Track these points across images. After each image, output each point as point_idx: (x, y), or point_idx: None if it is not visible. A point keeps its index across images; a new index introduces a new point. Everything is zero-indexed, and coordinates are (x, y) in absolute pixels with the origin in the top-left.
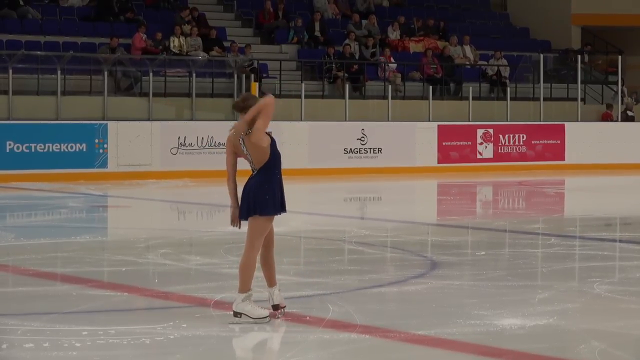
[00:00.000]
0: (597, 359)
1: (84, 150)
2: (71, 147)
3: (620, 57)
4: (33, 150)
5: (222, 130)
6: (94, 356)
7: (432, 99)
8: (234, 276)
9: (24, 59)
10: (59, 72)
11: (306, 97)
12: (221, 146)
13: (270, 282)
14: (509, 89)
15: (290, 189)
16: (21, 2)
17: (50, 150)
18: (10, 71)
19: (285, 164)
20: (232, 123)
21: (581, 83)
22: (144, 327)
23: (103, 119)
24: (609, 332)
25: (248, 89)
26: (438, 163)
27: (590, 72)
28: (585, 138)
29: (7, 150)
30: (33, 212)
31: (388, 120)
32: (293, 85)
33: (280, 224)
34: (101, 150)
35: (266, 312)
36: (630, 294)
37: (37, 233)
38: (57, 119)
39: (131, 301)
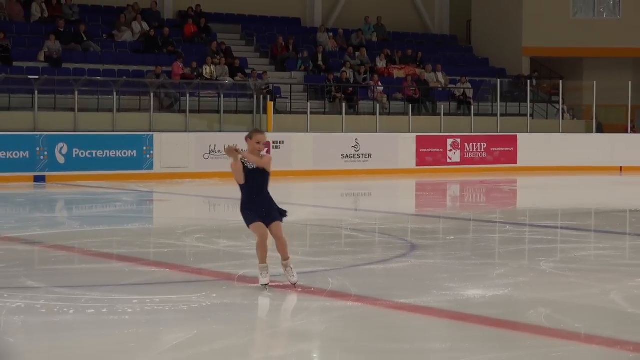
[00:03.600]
0: (543, 321)
1: (134, 155)
2: (124, 153)
3: (561, 81)
4: (94, 155)
5: (244, 140)
6: (142, 319)
7: (412, 115)
8: (255, 256)
9: (87, 83)
10: (114, 93)
11: (311, 113)
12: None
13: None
14: (472, 107)
15: (298, 187)
16: (84, 38)
17: (108, 155)
18: (76, 93)
19: (294, 167)
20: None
21: (530, 102)
22: (181, 296)
23: (149, 131)
24: (552, 300)
25: (265, 107)
26: (416, 166)
27: (537, 94)
28: (534, 146)
29: (74, 156)
30: (94, 205)
31: (377, 132)
32: (301, 104)
33: (290, 214)
34: (148, 156)
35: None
36: (570, 270)
37: (96, 221)
38: (113, 131)
39: (171, 276)
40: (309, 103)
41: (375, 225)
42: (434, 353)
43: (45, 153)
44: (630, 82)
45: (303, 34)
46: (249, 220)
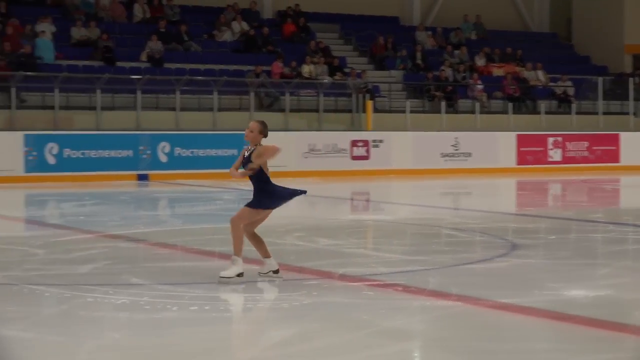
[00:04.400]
0: None
1: (235, 154)
2: (225, 152)
3: None
4: (195, 154)
5: (343, 138)
6: (245, 317)
7: (512, 114)
8: (355, 255)
9: (188, 82)
10: (215, 93)
11: (410, 112)
12: (343, 151)
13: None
14: (574, 105)
15: (398, 186)
16: (185, 38)
17: (208, 154)
18: (178, 92)
19: (393, 166)
20: (351, 133)
21: (632, 100)
22: (283, 294)
23: None
24: None
25: (364, 106)
26: (517, 165)
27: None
28: (637, 144)
29: (176, 154)
30: (195, 203)
31: (476, 131)
32: (399, 103)
33: (389, 213)
34: None
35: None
36: None
37: (198, 220)
38: (213, 130)
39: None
40: (408, 102)
41: (476, 224)
42: (535, 354)
43: (148, 152)
44: None
45: (402, 33)
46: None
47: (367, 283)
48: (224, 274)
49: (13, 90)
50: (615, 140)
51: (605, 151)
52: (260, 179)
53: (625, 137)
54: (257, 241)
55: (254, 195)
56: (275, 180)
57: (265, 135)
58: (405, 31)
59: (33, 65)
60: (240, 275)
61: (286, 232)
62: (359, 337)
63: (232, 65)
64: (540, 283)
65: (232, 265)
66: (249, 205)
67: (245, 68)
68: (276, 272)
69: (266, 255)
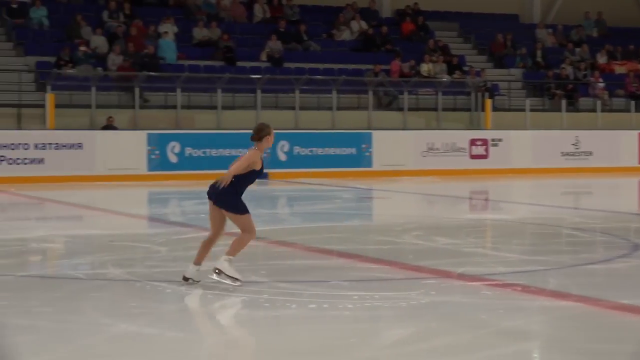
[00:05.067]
0: None
1: (354, 153)
2: (343, 151)
3: None
4: (314, 153)
5: (462, 137)
6: (363, 315)
7: (634, 112)
8: (474, 254)
9: (307, 82)
10: (334, 92)
11: (530, 110)
12: (462, 150)
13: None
14: None
15: (517, 185)
16: (305, 38)
17: (328, 153)
18: (297, 92)
19: (512, 165)
20: (470, 132)
21: None
22: (401, 293)
23: (368, 129)
24: None
25: (483, 104)
26: (639, 163)
27: None
28: None
29: (295, 153)
30: (314, 201)
31: (597, 129)
32: (519, 101)
33: (509, 213)
34: (367, 154)
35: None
36: None
37: (317, 218)
38: (332, 129)
39: (391, 272)
40: (527, 100)
41: (596, 224)
42: None
43: (268, 150)
44: None
45: (521, 30)
46: (245, 210)
47: (485, 283)
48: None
49: (137, 90)
50: None
51: None
52: None
53: None
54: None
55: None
56: (394, 180)
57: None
58: (525, 29)
59: (156, 66)
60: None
61: (404, 231)
62: (477, 337)
63: (350, 64)
64: None
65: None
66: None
67: (363, 67)
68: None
69: (199, 261)
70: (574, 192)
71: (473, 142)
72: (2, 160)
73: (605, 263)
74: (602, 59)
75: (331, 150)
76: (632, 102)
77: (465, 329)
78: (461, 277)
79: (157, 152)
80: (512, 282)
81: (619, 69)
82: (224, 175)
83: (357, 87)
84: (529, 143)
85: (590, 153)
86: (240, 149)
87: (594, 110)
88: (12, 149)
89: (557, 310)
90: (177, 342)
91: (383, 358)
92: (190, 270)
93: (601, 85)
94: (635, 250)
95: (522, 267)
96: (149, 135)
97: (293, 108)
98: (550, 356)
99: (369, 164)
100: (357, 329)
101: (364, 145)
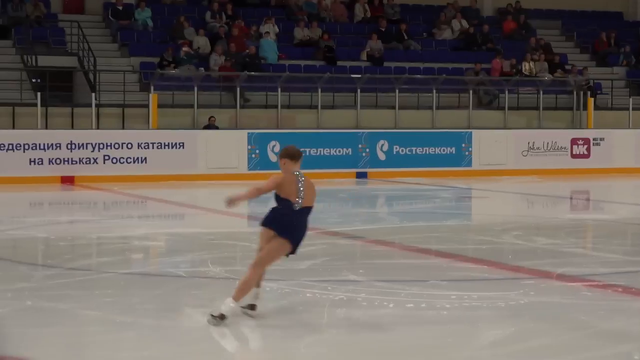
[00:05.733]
0: None
1: (453, 152)
2: (443, 150)
3: None
4: (413, 152)
5: (563, 136)
6: (461, 315)
7: None
8: (574, 254)
9: (407, 81)
10: (434, 91)
11: (633, 109)
12: (563, 150)
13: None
14: None
15: (619, 185)
16: (405, 36)
17: (427, 152)
18: (397, 91)
19: (615, 164)
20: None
21: None
22: (499, 293)
23: (468, 128)
24: None
25: (585, 103)
26: None
27: None
28: None
29: (394, 152)
30: (413, 201)
31: None
32: (622, 100)
33: (610, 213)
34: (467, 153)
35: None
36: None
37: (416, 217)
38: (432, 128)
39: (489, 272)
40: (631, 99)
41: None
42: None
43: (367, 150)
44: None
45: (625, 28)
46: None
47: (585, 283)
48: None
49: (238, 90)
50: None
51: None
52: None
53: None
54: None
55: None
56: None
57: (287, 157)
58: (629, 26)
59: (257, 66)
60: (252, 307)
61: (503, 231)
62: (576, 338)
63: (451, 63)
64: None
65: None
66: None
67: (464, 66)
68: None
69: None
70: None
71: (574, 141)
72: (106, 160)
73: None
74: None
75: (430, 150)
76: None
77: (564, 330)
78: (561, 277)
79: (257, 151)
80: (612, 283)
81: None
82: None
83: (457, 86)
84: (632, 142)
85: None
86: (339, 148)
87: None
88: (116, 149)
89: None
90: (276, 339)
91: (481, 359)
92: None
93: None
94: None
95: (623, 267)
96: (250, 134)
97: (393, 107)
98: None
99: (469, 164)
100: (455, 329)
101: (463, 145)
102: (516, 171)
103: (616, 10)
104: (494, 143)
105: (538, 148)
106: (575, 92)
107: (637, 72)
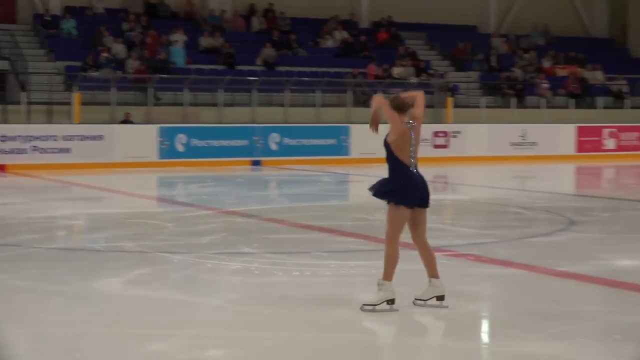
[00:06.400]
0: None
1: (335, 144)
2: (326, 142)
3: None
4: (301, 143)
5: (426, 130)
6: (339, 281)
7: (573, 108)
8: (434, 229)
9: (296, 83)
10: (318, 91)
11: (485, 107)
12: (426, 141)
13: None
14: (627, 101)
15: (473, 171)
16: (294, 45)
17: (312, 144)
18: (287, 91)
19: (469, 153)
20: (433, 125)
21: None
22: (372, 262)
23: (347, 123)
24: None
25: (445, 102)
26: (576, 152)
27: None
28: None
29: (284, 144)
30: (300, 185)
31: (542, 123)
32: (476, 99)
33: (465, 194)
34: (345, 144)
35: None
36: None
37: (302, 199)
38: (317, 123)
39: (364, 245)
40: (483, 98)
41: (539, 203)
42: (590, 314)
43: (261, 142)
44: None
45: (479, 39)
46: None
47: (443, 253)
48: (367, 301)
49: (150, 90)
50: None
51: None
52: (392, 161)
53: None
54: (427, 254)
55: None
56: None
57: (396, 108)
58: (482, 38)
59: (167, 69)
60: (390, 302)
61: (376, 210)
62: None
63: (333, 68)
64: (595, 254)
65: (378, 292)
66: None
67: (344, 70)
68: (440, 298)
69: (434, 275)
70: (521, 177)
71: (436, 134)
72: (35, 150)
73: (546, 236)
74: (547, 64)
75: (315, 141)
76: (572, 100)
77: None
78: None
79: (167, 142)
80: (466, 252)
81: (561, 72)
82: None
83: (338, 87)
84: (484, 135)
85: (535, 143)
86: (237, 140)
87: (538, 107)
88: (44, 140)
89: (504, 277)
90: (182, 304)
91: (355, 317)
92: (432, 287)
93: (546, 85)
94: (571, 225)
95: (474, 239)
96: (160, 128)
97: (283, 105)
98: (499, 315)
99: (347, 153)
100: (333, 292)
101: (343, 137)
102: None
103: (472, 24)
104: (367, 135)
105: None
106: (437, 93)
107: (489, 76)
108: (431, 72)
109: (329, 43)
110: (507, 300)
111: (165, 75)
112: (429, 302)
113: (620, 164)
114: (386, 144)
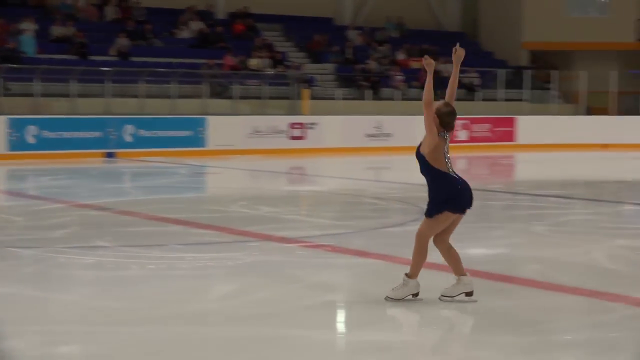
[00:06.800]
0: (536, 276)
1: (191, 135)
2: (181, 133)
3: (554, 71)
4: (156, 135)
5: (283, 121)
6: (195, 274)
7: None
8: (292, 220)
9: (151, 74)
10: (174, 82)
11: (341, 99)
12: (283, 133)
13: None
14: (479, 93)
15: (329, 162)
16: (150, 35)
17: (168, 135)
18: (142, 82)
19: (325, 145)
20: (290, 117)
21: (528, 89)
22: (229, 254)
23: (204, 114)
24: (544, 258)
25: (300, 93)
26: None
27: (534, 82)
28: (531, 126)
29: (139, 135)
30: (155, 177)
31: (396, 115)
32: (332, 91)
33: (321, 185)
34: (202, 135)
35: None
36: (559, 232)
37: (157, 191)
38: (172, 114)
39: (220, 237)
40: (339, 90)
41: (394, 194)
42: (443, 303)
43: (115, 133)
44: (615, 72)
45: (335, 31)
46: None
47: (300, 244)
48: (391, 294)
49: (0, 80)
50: (512, 123)
51: (504, 132)
52: (430, 172)
53: (521, 120)
54: (452, 255)
55: (429, 197)
56: (226, 158)
57: (442, 124)
58: (338, 30)
59: (17, 59)
60: (415, 295)
61: (232, 201)
62: (292, 290)
63: (189, 59)
64: None
65: (403, 287)
66: (425, 214)
67: (200, 61)
68: (469, 294)
69: (461, 272)
70: (376, 168)
71: (292, 125)
72: None
73: (400, 226)
74: (401, 56)
75: (171, 133)
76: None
77: (282, 284)
78: (280, 239)
79: (16, 134)
80: (323, 243)
81: (415, 64)
82: None
83: (194, 78)
84: (339, 127)
85: (390, 135)
86: (90, 132)
87: (393, 99)
88: None
89: (360, 267)
90: (33, 300)
91: (212, 310)
92: (460, 284)
93: (400, 78)
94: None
95: (331, 230)
96: (10, 119)
97: (138, 96)
98: (354, 305)
99: (204, 145)
100: (191, 285)
101: (199, 129)
102: (244, 151)
103: (327, 16)
104: (224, 127)
105: (262, 131)
106: (293, 84)
107: (344, 68)
108: (287, 63)
109: (184, 34)
110: (363, 290)
111: (14, 65)
112: (456, 298)
113: (472, 155)
114: (420, 156)
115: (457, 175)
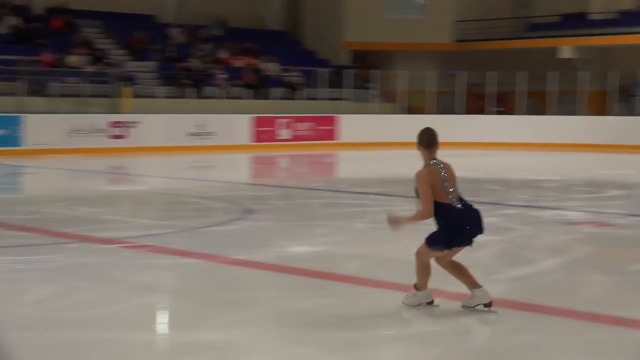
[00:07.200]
0: (356, 272)
1: (6, 134)
2: None
3: (376, 71)
4: None
5: (103, 120)
6: (10, 278)
7: (249, 99)
8: (112, 221)
9: None
10: None
11: (163, 97)
12: (103, 131)
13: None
14: (302, 92)
15: (151, 161)
16: None
17: None
18: None
19: (147, 144)
20: (110, 115)
21: (349, 88)
22: (46, 256)
23: (20, 113)
24: (364, 254)
25: (121, 92)
26: (253, 142)
27: (356, 81)
28: (353, 125)
29: None
30: None
31: (219, 113)
32: (154, 89)
33: (143, 184)
34: (17, 134)
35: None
36: (379, 229)
37: None
38: None
39: (37, 239)
40: (161, 88)
41: (217, 193)
42: (264, 300)
43: None
44: (433, 72)
45: (157, 29)
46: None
47: (121, 245)
48: (405, 300)
49: None
50: (334, 121)
51: (326, 130)
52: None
53: (342, 119)
54: (458, 270)
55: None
56: (43, 158)
57: (424, 145)
58: (159, 27)
59: None
60: (429, 303)
61: (50, 202)
62: (114, 292)
63: (4, 55)
64: (270, 242)
65: (413, 296)
66: (426, 241)
67: (17, 58)
68: (488, 305)
69: (474, 285)
70: (199, 167)
71: (113, 124)
72: None
73: (223, 225)
74: (224, 54)
75: None
76: (248, 91)
77: (103, 286)
78: (100, 240)
79: None
80: (144, 243)
81: (238, 62)
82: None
83: (10, 75)
84: (162, 125)
85: (213, 133)
86: None
87: (216, 97)
88: None
89: (183, 267)
90: None
91: (28, 314)
92: (476, 297)
93: (223, 76)
94: (248, 213)
95: (153, 230)
96: None
97: None
98: (176, 306)
99: (20, 144)
100: (5, 290)
101: (15, 127)
102: (62, 150)
103: (149, 14)
104: (43, 126)
105: (82, 130)
106: (114, 82)
107: (166, 65)
108: (108, 61)
109: (1, 29)
110: (185, 290)
111: None
112: (476, 307)
113: (295, 153)
114: (416, 192)
115: (462, 204)
